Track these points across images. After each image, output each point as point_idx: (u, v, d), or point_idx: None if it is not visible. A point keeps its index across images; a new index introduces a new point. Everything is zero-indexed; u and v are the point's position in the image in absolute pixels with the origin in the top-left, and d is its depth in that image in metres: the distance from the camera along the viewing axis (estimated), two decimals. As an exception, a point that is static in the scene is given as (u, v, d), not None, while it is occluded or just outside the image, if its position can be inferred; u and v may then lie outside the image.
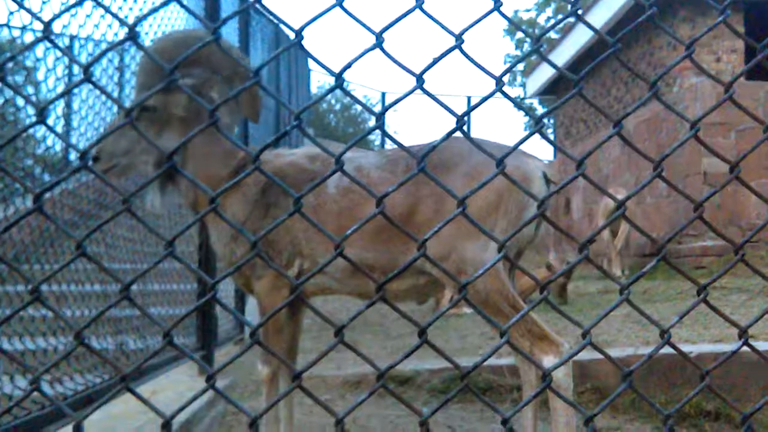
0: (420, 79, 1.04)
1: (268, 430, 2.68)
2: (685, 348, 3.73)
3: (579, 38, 12.82)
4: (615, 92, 12.47)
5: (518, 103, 1.17)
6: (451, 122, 1.11)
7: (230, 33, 6.08)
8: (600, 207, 10.03)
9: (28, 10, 0.98)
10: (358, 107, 26.91)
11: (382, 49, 1.03)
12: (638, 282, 8.13)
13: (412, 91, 1.04)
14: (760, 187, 9.09)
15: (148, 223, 1.13)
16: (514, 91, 28.14)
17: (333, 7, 1.01)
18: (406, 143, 1.26)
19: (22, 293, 2.64)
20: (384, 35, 1.05)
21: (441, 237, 2.24)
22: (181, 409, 1.14)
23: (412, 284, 2.55)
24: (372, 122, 26.95)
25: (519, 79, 27.11)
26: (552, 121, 16.40)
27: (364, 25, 1.04)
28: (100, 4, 0.99)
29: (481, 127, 23.15)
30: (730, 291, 6.56)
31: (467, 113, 1.06)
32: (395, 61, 1.04)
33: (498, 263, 2.30)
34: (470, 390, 1.18)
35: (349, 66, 1.03)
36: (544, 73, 15.42)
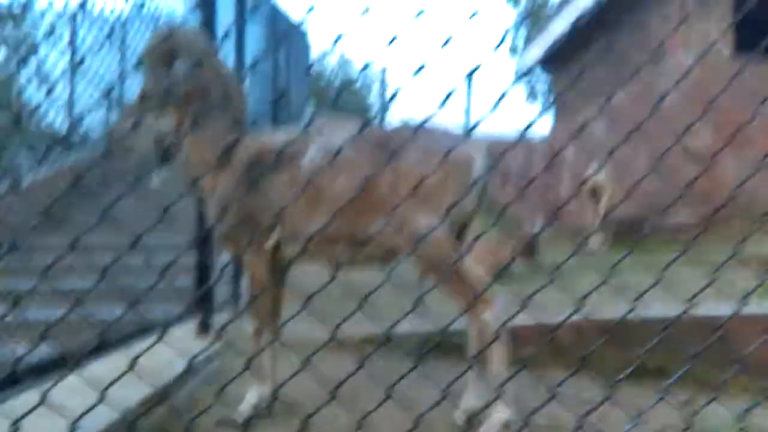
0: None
1: (258, 379, 3.03)
2: (649, 313, 3.97)
3: (571, 13, 12.91)
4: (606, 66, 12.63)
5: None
6: (438, 99, 1.41)
7: (226, 9, 6.25)
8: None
9: None
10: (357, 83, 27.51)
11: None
12: (616, 254, 8.33)
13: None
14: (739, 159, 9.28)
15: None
16: (513, 63, 28.31)
17: None
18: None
19: None
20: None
21: (396, 211, 2.61)
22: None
23: (370, 253, 2.87)
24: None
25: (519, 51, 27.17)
26: (551, 92, 16.55)
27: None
28: None
29: (482, 99, 23.28)
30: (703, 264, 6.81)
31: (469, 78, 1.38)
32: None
33: (445, 232, 2.65)
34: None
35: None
36: (539, 47, 15.52)
